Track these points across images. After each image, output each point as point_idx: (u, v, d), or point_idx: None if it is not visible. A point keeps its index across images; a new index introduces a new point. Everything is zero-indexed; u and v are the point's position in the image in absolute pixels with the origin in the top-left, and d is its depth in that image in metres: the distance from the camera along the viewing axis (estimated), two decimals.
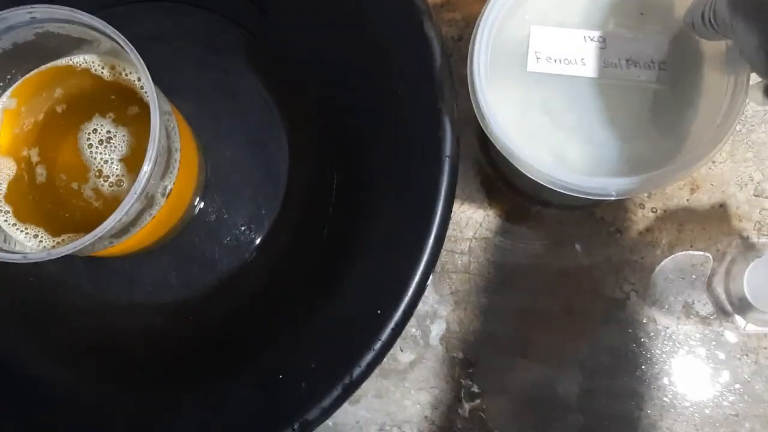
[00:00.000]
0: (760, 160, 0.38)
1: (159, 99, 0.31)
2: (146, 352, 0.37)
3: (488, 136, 0.30)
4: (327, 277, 0.35)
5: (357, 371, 0.31)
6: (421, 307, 0.38)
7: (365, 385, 0.37)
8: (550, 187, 0.29)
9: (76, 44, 0.34)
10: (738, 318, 0.37)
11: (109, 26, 0.30)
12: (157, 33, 0.39)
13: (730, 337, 0.37)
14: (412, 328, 0.38)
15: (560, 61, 0.31)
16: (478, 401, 0.37)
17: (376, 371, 0.37)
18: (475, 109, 0.30)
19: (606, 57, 0.31)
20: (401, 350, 0.38)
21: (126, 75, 0.34)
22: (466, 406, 0.37)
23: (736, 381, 0.37)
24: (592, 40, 0.31)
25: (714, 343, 0.37)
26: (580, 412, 0.37)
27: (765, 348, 0.37)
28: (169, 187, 0.33)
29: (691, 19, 0.28)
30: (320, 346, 0.32)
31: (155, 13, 0.39)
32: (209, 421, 0.32)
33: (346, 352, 0.31)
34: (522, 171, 0.29)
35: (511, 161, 0.30)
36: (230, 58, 0.39)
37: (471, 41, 0.30)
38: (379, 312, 0.32)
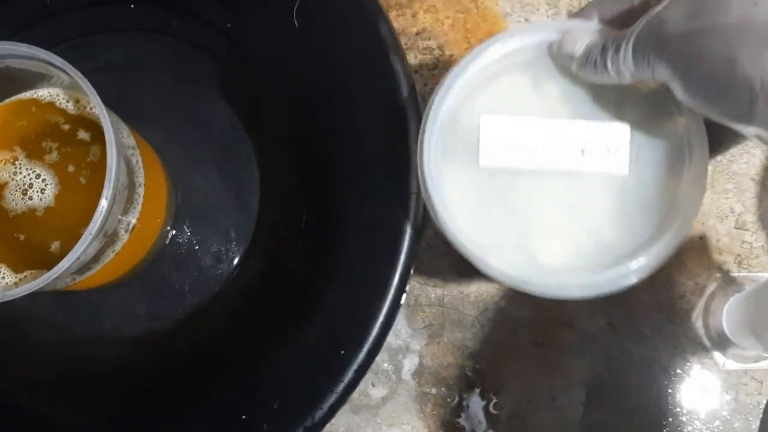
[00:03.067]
0: (740, 191, 0.37)
1: (120, 133, 0.31)
2: (113, 384, 0.36)
3: (444, 235, 0.28)
4: (294, 313, 0.34)
5: (319, 414, 0.30)
6: (393, 341, 0.37)
7: (335, 421, 0.37)
8: (515, 288, 0.28)
9: (42, 78, 0.34)
10: (717, 354, 0.36)
11: (65, 62, 0.29)
12: (127, 62, 0.38)
13: (710, 373, 0.36)
14: (384, 363, 0.37)
15: (514, 153, 0.29)
16: None
17: (347, 407, 0.37)
18: (428, 208, 0.29)
19: (562, 146, 0.29)
20: (372, 385, 0.37)
21: (90, 109, 0.34)
22: None
23: (715, 418, 0.36)
24: (545, 129, 0.29)
25: (693, 379, 0.37)
26: None
27: (745, 385, 0.36)
28: (133, 222, 0.32)
29: (584, 60, 0.28)
30: (283, 386, 0.32)
31: (125, 43, 0.38)
32: None
33: (309, 393, 0.31)
34: (483, 273, 0.28)
35: (471, 263, 0.28)
36: (200, 86, 0.38)
37: (419, 136, 0.29)
38: (342, 352, 0.31)
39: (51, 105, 0.34)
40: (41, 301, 0.37)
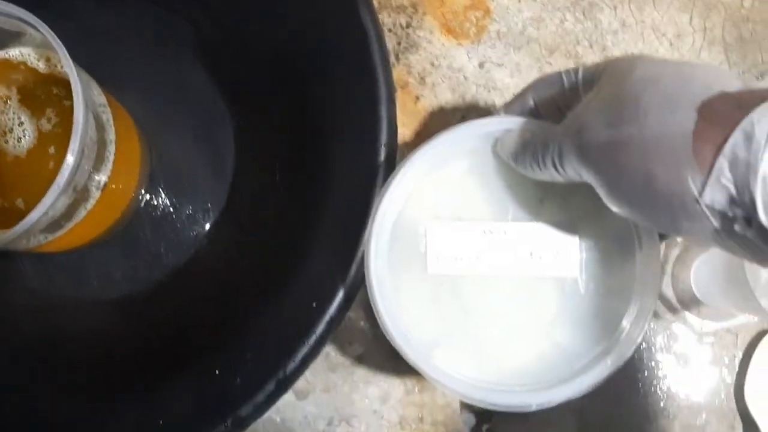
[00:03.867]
0: None
1: (90, 90, 0.31)
2: (94, 347, 0.37)
3: (392, 344, 0.28)
4: (269, 272, 0.34)
5: (291, 365, 0.30)
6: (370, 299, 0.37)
7: (313, 379, 0.37)
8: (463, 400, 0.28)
9: (15, 37, 0.34)
10: (689, 315, 0.36)
11: (35, 17, 0.29)
12: (105, 27, 0.38)
13: (687, 334, 0.37)
14: (360, 321, 0.37)
15: (462, 259, 0.29)
16: (428, 393, 0.37)
17: (324, 365, 0.37)
18: (376, 315, 0.28)
19: (509, 250, 0.29)
20: (349, 343, 0.37)
21: (61, 67, 0.34)
22: (416, 399, 0.37)
23: (695, 377, 0.36)
24: (491, 233, 0.29)
25: (673, 343, 0.37)
26: None
27: (721, 338, 0.36)
28: (104, 180, 0.32)
29: (521, 160, 0.27)
30: (256, 341, 0.32)
31: (103, 8, 0.38)
32: (144, 420, 0.32)
33: (281, 346, 0.31)
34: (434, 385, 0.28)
35: (419, 372, 0.28)
36: (177, 51, 0.38)
37: (365, 239, 0.29)
38: (314, 305, 0.31)
39: (23, 64, 0.34)
40: (18, 265, 0.37)
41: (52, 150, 0.33)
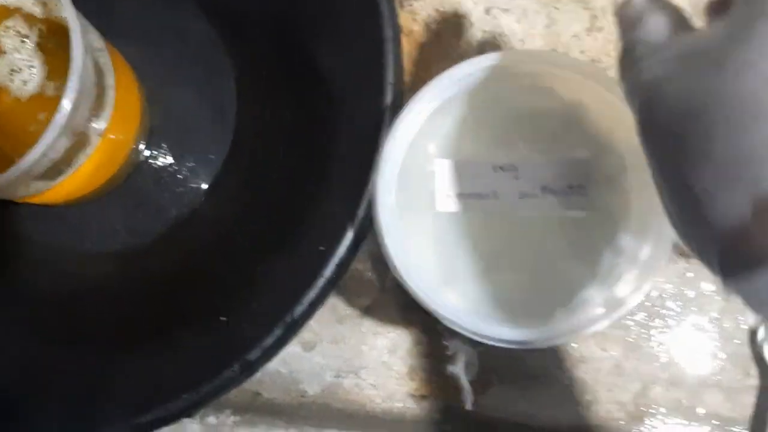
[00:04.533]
0: None
1: (87, 33, 0.30)
2: (97, 301, 0.36)
3: (400, 282, 0.27)
4: (274, 220, 0.34)
5: (299, 309, 0.30)
6: (377, 250, 0.37)
7: (320, 330, 0.36)
8: (472, 337, 0.27)
9: None
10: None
11: None
12: None
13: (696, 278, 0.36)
14: (368, 273, 0.37)
15: (471, 196, 0.28)
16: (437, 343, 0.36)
17: (332, 317, 0.36)
18: (384, 254, 0.28)
19: (520, 187, 0.28)
20: (357, 296, 0.36)
21: (58, 13, 0.33)
22: (426, 350, 0.36)
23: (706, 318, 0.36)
24: (502, 169, 0.28)
25: (682, 284, 0.36)
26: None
27: None
28: (104, 127, 0.32)
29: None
30: (263, 287, 0.31)
31: None
32: (154, 369, 0.31)
33: (288, 290, 0.30)
34: (439, 320, 0.27)
35: (427, 309, 0.27)
36: (179, 1, 0.38)
37: (372, 182, 0.28)
38: (322, 248, 0.30)
39: (19, 9, 0.33)
40: (18, 217, 0.36)
41: (50, 95, 0.32)
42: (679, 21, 0.21)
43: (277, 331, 0.30)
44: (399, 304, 0.36)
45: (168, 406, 0.30)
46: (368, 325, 0.36)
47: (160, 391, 0.30)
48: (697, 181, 0.17)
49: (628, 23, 0.21)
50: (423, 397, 0.36)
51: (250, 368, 0.30)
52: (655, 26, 0.21)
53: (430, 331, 0.36)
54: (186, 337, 0.31)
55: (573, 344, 0.36)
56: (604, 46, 0.37)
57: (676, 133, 0.18)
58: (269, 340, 0.30)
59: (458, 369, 0.35)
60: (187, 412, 0.30)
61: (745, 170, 0.16)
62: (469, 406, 0.35)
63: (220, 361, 0.30)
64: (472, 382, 0.35)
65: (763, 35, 0.17)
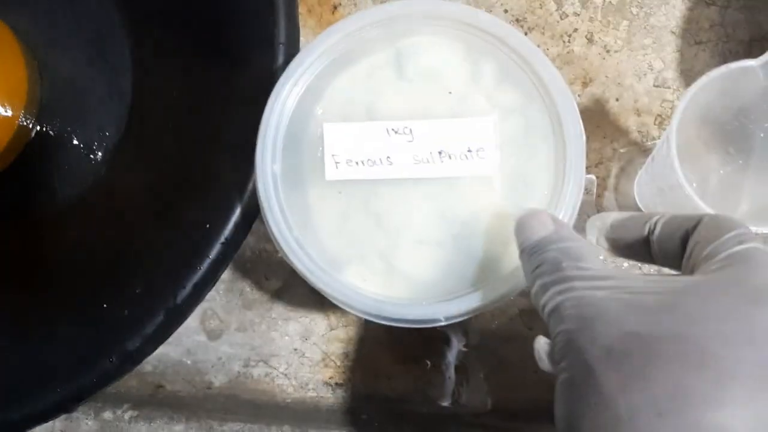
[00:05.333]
0: (660, 46, 0.33)
1: None
2: None
3: (286, 261, 0.25)
4: (164, 197, 0.31)
5: (182, 293, 0.27)
6: None
7: (227, 317, 0.34)
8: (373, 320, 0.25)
9: None
10: None
11: None
12: None
13: None
14: (278, 253, 0.34)
15: (362, 163, 0.25)
16: (353, 328, 0.34)
17: (238, 302, 0.34)
18: (270, 235, 0.25)
19: (415, 150, 0.25)
20: (266, 278, 0.34)
21: None
22: (341, 334, 0.33)
23: None
24: (396, 132, 0.25)
25: None
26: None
27: None
28: None
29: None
30: (147, 270, 0.29)
31: None
32: (25, 361, 0.29)
33: (171, 273, 0.28)
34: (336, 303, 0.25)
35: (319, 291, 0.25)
36: None
37: (255, 150, 0.25)
38: (207, 226, 0.28)
39: None
40: None
41: None
42: None
43: (159, 319, 0.27)
44: (312, 287, 0.34)
45: (39, 401, 0.27)
46: (279, 310, 0.34)
47: (29, 386, 0.27)
48: None
49: None
50: (338, 384, 0.33)
51: (131, 359, 0.27)
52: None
53: (346, 315, 0.33)
54: (61, 326, 0.29)
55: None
56: (528, 4, 0.34)
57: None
58: (150, 328, 0.27)
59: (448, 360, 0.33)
60: (64, 407, 0.28)
61: None
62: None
63: (97, 351, 0.27)
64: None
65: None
